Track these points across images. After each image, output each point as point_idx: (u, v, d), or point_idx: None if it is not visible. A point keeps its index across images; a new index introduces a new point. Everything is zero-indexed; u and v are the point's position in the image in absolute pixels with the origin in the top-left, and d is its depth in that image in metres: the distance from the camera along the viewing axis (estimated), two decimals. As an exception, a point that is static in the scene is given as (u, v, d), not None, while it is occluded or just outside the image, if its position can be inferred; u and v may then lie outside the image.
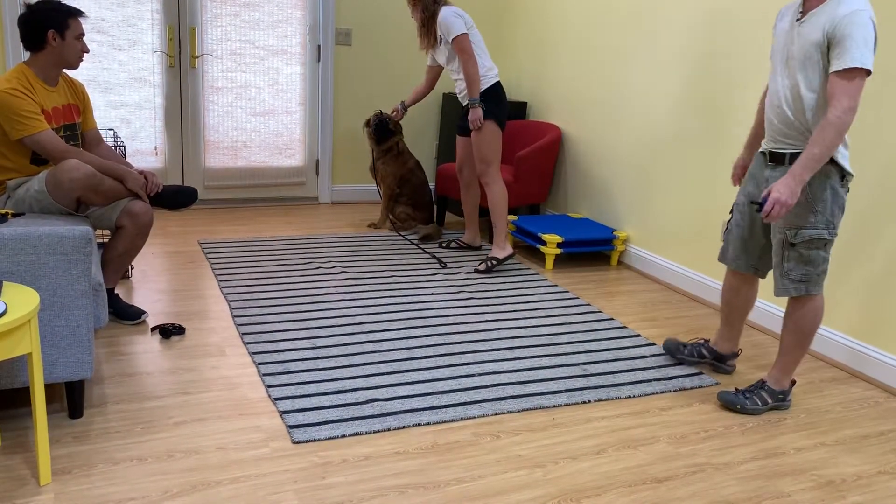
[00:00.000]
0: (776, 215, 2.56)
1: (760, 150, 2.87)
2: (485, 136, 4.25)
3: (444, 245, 4.77)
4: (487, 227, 5.25)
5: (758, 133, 3.00)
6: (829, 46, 2.52)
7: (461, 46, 4.14)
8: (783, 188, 2.54)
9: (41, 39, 2.97)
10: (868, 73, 2.48)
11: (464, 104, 4.36)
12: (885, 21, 3.12)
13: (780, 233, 2.75)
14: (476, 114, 4.18)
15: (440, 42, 4.27)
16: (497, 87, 4.27)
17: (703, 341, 3.26)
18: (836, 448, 2.68)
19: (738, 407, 2.88)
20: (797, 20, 2.65)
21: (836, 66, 2.49)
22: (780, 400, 2.90)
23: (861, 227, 3.25)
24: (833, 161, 2.62)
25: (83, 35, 3.06)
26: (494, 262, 4.32)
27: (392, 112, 4.78)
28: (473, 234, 4.74)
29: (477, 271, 4.31)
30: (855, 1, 2.48)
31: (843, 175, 2.65)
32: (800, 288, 2.75)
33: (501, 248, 4.35)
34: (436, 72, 4.59)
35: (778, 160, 2.76)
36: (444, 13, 4.17)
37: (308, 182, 5.68)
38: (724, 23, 3.89)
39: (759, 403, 2.88)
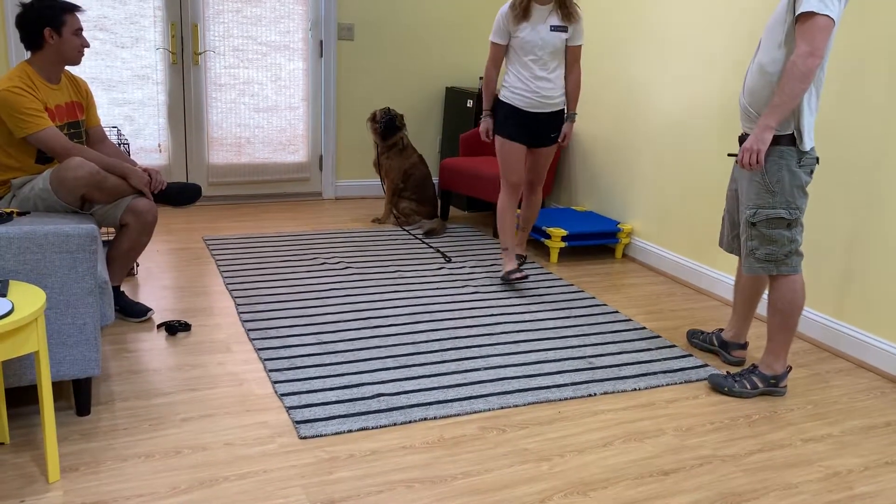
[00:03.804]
0: (748, 163, 2.66)
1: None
2: (555, 149, 4.05)
3: (517, 277, 3.92)
4: (489, 228, 5.24)
5: None
6: (795, 0, 2.54)
7: (580, 55, 3.85)
8: (751, 137, 2.65)
9: (39, 38, 2.97)
10: (831, 20, 2.47)
11: (542, 111, 3.82)
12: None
13: (744, 212, 2.81)
14: (571, 128, 3.95)
15: (565, 30, 3.69)
16: None
17: (718, 330, 3.31)
18: (843, 439, 2.67)
19: (726, 389, 2.91)
20: None
21: (796, 12, 2.52)
22: (773, 385, 2.92)
23: (868, 217, 3.24)
24: (791, 141, 2.66)
25: (81, 30, 3.05)
26: (523, 258, 4.37)
27: (484, 133, 4.00)
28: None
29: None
30: None
31: (801, 156, 2.68)
32: (767, 267, 2.80)
33: (524, 249, 4.39)
34: (504, 52, 3.87)
35: (741, 142, 2.84)
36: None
37: (312, 178, 5.68)
38: (729, 17, 3.87)
39: (748, 387, 2.90)
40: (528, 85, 3.78)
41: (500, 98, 3.89)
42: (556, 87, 3.81)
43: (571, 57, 3.80)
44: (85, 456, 2.30)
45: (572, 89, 3.88)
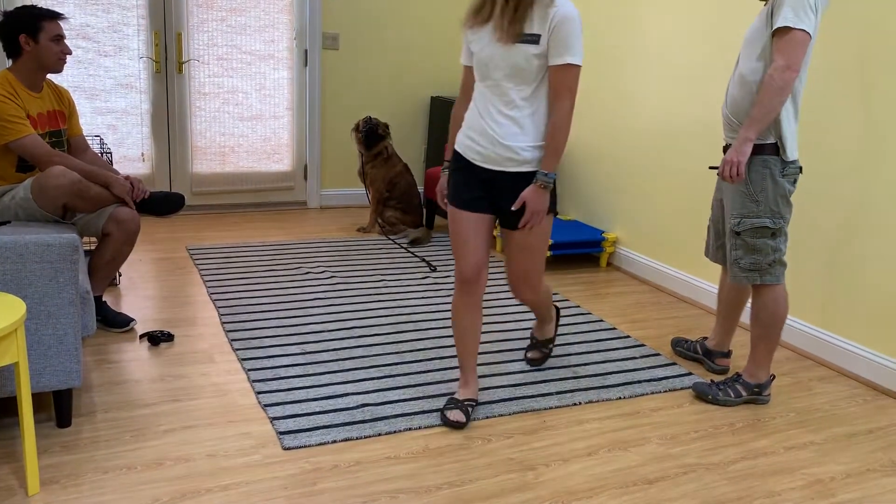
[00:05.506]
0: (728, 175, 2.68)
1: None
2: (543, 236, 2.61)
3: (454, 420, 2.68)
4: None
5: None
6: (772, 14, 2.58)
7: (573, 83, 2.38)
8: (731, 150, 2.67)
9: (15, 45, 2.97)
10: (807, 34, 2.52)
11: (499, 168, 2.49)
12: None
13: (729, 221, 2.83)
14: (544, 200, 2.46)
15: (533, 40, 2.35)
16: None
17: (702, 339, 3.34)
18: (825, 446, 2.69)
19: (710, 397, 2.93)
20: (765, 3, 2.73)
21: (773, 27, 2.56)
22: (756, 394, 2.94)
23: (849, 225, 3.27)
24: (774, 150, 2.68)
25: (62, 37, 3.03)
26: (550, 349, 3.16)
27: (439, 194, 2.74)
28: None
29: (533, 360, 3.16)
30: None
31: (784, 165, 2.70)
32: (752, 277, 2.81)
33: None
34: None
35: (725, 153, 2.86)
36: (575, 14, 2.34)
37: (296, 187, 5.66)
38: (713, 29, 3.91)
39: (732, 395, 2.92)
40: (474, 124, 2.51)
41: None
42: (523, 130, 2.44)
43: (554, 82, 2.39)
44: (65, 468, 2.27)
45: (550, 134, 2.42)
